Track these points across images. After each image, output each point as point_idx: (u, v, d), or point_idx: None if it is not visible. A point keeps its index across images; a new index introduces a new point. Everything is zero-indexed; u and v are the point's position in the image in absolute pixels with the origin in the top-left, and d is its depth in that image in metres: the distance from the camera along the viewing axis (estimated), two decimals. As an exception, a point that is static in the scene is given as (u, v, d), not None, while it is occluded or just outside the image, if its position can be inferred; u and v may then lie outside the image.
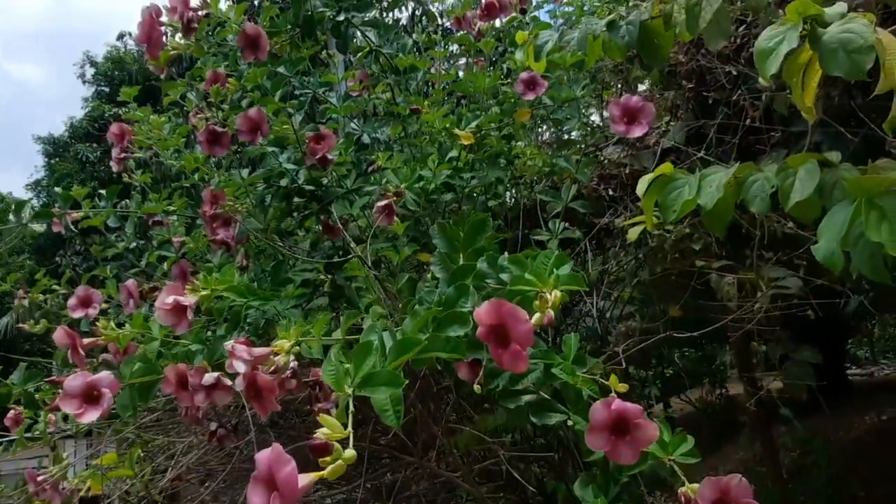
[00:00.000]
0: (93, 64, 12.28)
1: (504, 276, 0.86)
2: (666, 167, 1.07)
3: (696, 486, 0.77)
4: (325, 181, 1.81)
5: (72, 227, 1.76)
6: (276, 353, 0.90)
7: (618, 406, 0.77)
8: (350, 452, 0.63)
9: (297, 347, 0.99)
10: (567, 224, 1.56)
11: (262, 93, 1.60)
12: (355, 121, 2.01)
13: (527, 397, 1.20)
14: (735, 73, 1.51)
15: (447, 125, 1.50)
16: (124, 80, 12.20)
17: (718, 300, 1.48)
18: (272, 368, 0.89)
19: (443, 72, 2.16)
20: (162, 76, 1.48)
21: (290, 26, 1.55)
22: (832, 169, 0.92)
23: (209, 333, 1.32)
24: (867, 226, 0.68)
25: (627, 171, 1.82)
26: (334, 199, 1.78)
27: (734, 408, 3.92)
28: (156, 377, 1.18)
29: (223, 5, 1.66)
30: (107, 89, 12.09)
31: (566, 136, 1.58)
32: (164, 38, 1.36)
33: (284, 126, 1.62)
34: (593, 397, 0.94)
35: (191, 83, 1.70)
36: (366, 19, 1.76)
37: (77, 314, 1.61)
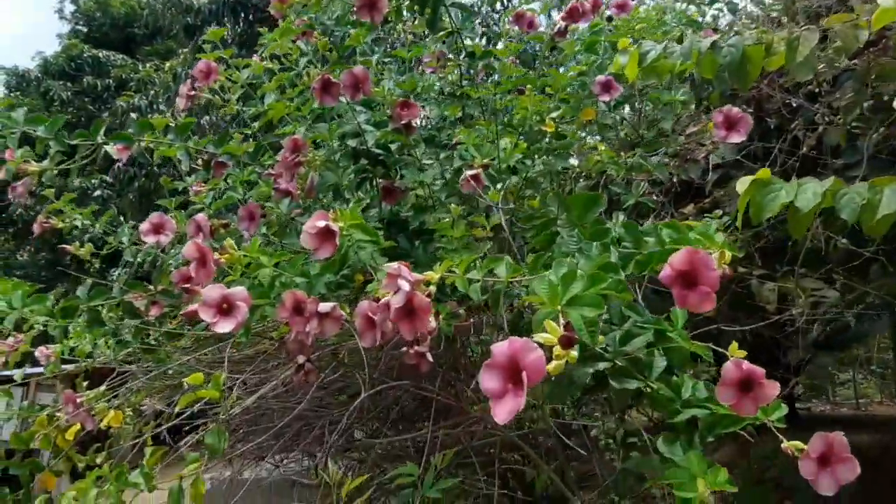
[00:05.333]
0: (73, 0, 11.78)
1: (649, 240, 0.98)
2: (763, 172, 1.22)
3: (798, 442, 0.91)
4: (393, 147, 1.90)
5: (147, 154, 1.78)
6: (427, 283, 0.99)
7: (747, 367, 0.90)
8: (574, 353, 0.72)
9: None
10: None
11: (361, 53, 1.67)
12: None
13: (603, 364, 1.33)
14: (794, 104, 1.69)
15: (542, 111, 1.62)
16: (104, 23, 11.76)
17: (756, 304, 1.65)
18: (426, 293, 0.97)
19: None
20: (281, 22, 1.53)
21: (401, -5, 1.64)
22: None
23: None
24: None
25: (673, 181, 1.98)
26: (403, 165, 1.87)
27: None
28: (267, 301, 1.24)
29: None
30: (84, 29, 11.60)
31: (652, 136, 1.72)
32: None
33: (375, 89, 1.70)
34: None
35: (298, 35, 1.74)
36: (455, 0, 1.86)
37: (149, 239, 1.63)
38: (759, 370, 0.90)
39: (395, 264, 0.95)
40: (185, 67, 7.62)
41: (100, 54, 9.87)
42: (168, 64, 8.92)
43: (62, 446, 1.76)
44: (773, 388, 0.90)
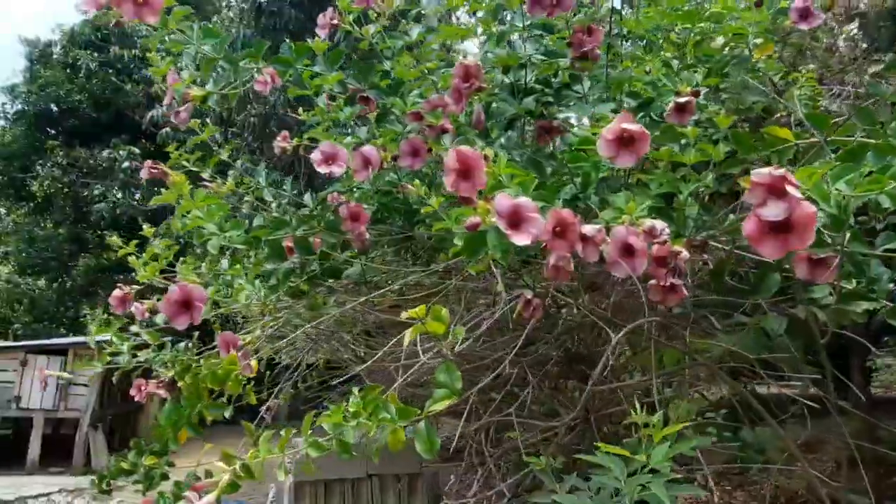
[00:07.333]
0: (94, -29, 11.49)
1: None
2: None
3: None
4: (553, 82, 1.77)
5: (304, 84, 1.65)
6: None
7: None
8: None
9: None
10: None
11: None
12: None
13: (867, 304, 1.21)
14: None
15: (753, 31, 1.48)
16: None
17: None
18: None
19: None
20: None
21: None
22: None
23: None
24: None
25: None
26: (566, 103, 1.74)
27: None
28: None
29: None
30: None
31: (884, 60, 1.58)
32: None
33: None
34: None
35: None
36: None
37: (322, 169, 1.51)
38: None
39: (766, 170, 0.81)
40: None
41: (127, 23, 9.65)
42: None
43: (203, 396, 1.65)
44: None
